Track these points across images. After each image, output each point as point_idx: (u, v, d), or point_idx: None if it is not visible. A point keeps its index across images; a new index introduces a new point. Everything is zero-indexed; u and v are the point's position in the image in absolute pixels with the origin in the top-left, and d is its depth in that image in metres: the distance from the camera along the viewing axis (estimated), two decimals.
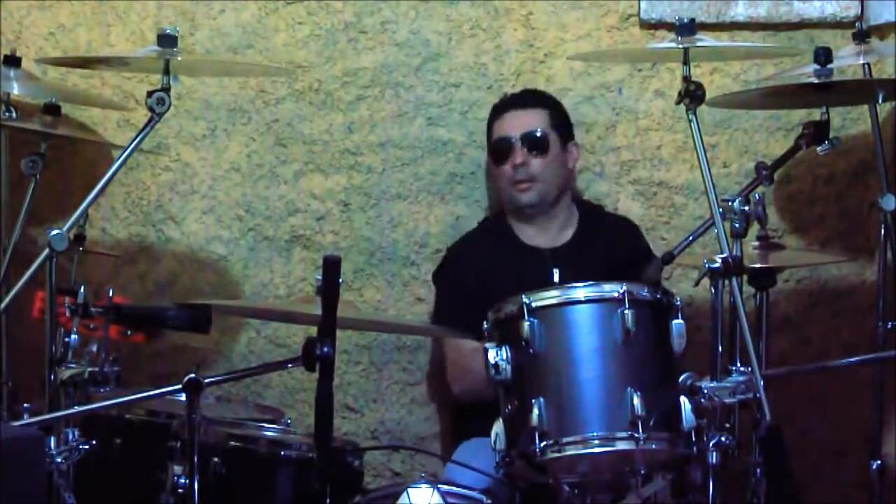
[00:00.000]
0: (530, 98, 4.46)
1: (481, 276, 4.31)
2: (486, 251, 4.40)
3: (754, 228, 3.79)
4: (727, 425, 3.54)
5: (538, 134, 4.37)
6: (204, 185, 4.63)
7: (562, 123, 4.43)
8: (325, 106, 4.62)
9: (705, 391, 3.47)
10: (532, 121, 4.38)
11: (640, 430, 3.41)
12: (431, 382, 4.63)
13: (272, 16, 4.61)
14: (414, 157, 4.63)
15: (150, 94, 3.66)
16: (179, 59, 3.75)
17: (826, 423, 4.61)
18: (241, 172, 4.63)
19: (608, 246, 4.36)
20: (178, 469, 3.57)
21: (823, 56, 3.94)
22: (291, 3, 4.61)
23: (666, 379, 3.50)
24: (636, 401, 3.42)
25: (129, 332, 3.81)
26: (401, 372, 4.66)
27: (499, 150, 4.38)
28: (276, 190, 4.63)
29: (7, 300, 3.73)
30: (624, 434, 3.43)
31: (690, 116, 3.66)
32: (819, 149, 4.01)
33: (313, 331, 3.16)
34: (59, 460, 3.54)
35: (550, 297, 3.55)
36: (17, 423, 3.62)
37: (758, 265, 4.00)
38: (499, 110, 4.44)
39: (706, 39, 3.83)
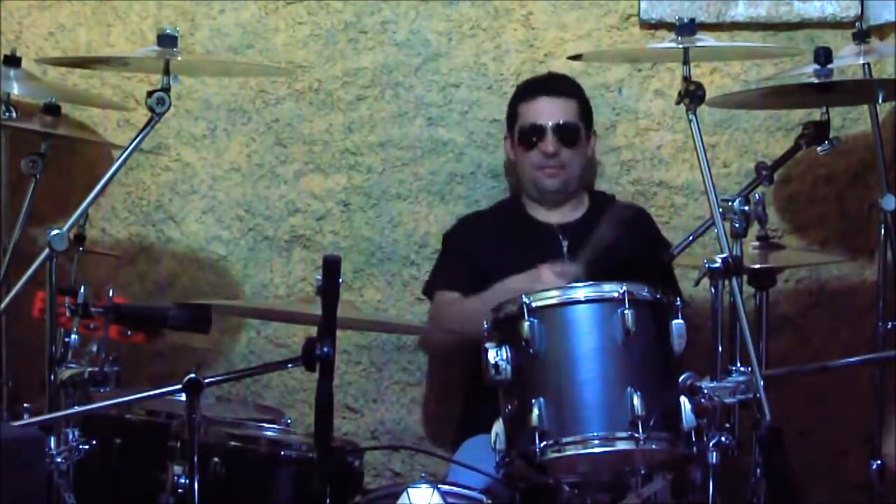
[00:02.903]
0: (563, 85, 4.45)
1: (488, 245, 4.36)
2: (497, 223, 4.45)
3: (754, 228, 3.79)
4: (727, 425, 3.54)
5: (571, 125, 4.38)
6: (204, 185, 4.63)
7: (587, 113, 4.45)
8: (325, 106, 4.62)
9: (705, 391, 3.47)
10: (564, 110, 4.38)
11: (640, 430, 3.41)
12: (429, 379, 4.64)
13: (272, 16, 4.61)
14: (414, 157, 4.63)
15: (150, 94, 3.66)
16: (179, 59, 3.74)
17: (826, 423, 4.61)
18: (241, 172, 4.63)
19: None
20: (178, 469, 3.57)
21: (823, 56, 3.94)
22: (291, 3, 4.61)
23: (666, 379, 3.50)
24: (636, 401, 3.42)
25: (129, 332, 3.81)
26: (401, 372, 4.66)
27: (529, 136, 4.35)
28: (276, 190, 4.63)
29: (7, 300, 3.73)
30: (624, 434, 3.43)
31: (690, 116, 3.66)
32: (819, 149, 4.01)
33: (313, 331, 3.16)
34: (59, 460, 3.54)
35: (550, 297, 3.56)
36: (17, 423, 3.62)
37: (758, 265, 4.00)
38: (528, 93, 4.42)
39: (706, 39, 3.83)
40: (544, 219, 4.43)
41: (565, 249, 4.31)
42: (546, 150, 4.34)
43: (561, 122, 4.36)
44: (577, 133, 4.39)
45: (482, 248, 4.36)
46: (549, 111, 4.37)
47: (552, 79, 4.50)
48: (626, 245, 4.09)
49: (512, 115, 4.45)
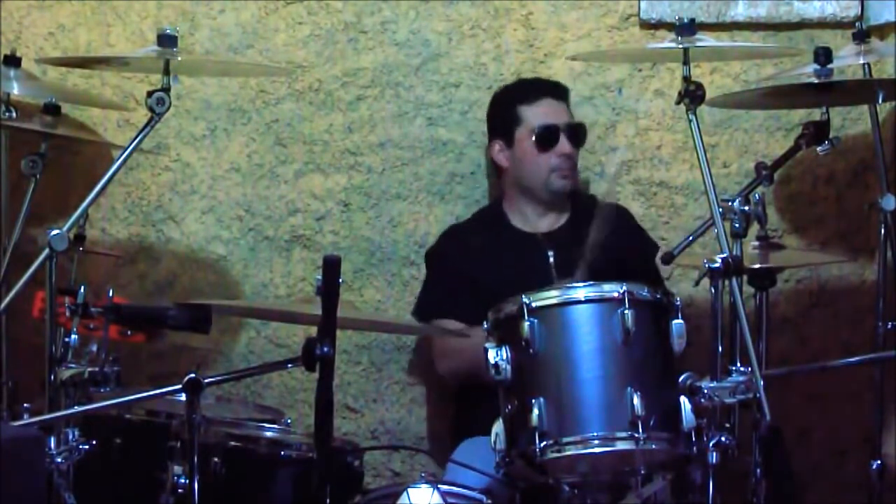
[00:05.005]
0: (562, 91, 4.47)
1: (475, 260, 4.35)
2: (480, 237, 4.43)
3: (754, 228, 3.79)
4: (727, 425, 3.54)
5: (582, 127, 4.43)
6: (204, 185, 4.63)
7: None
8: (325, 106, 4.62)
9: (705, 391, 3.47)
10: (567, 113, 4.42)
11: (640, 430, 3.41)
12: (424, 378, 4.63)
13: (272, 16, 4.61)
14: (414, 157, 4.63)
15: (150, 94, 3.66)
16: (179, 59, 3.75)
17: (826, 423, 4.61)
18: (241, 172, 4.63)
19: None
20: (178, 469, 3.57)
21: (823, 56, 3.94)
22: (291, 3, 4.61)
23: (666, 379, 3.50)
24: (636, 401, 3.42)
25: (129, 332, 3.81)
26: (401, 372, 4.66)
27: (546, 137, 4.35)
28: (276, 190, 4.63)
29: (7, 300, 3.73)
30: (624, 434, 3.43)
31: (690, 116, 3.66)
32: (819, 149, 4.01)
33: (313, 331, 3.16)
34: (59, 460, 3.54)
35: (550, 297, 3.56)
36: (17, 423, 3.62)
37: (758, 265, 4.00)
38: (530, 95, 4.42)
39: (706, 39, 3.83)
40: (529, 229, 4.42)
41: (552, 259, 4.31)
42: (563, 151, 4.35)
43: (571, 122, 4.40)
44: (585, 134, 4.44)
45: (469, 266, 4.33)
46: (555, 113, 4.40)
47: (551, 83, 4.50)
48: (613, 245, 4.08)
49: (510, 118, 4.42)
